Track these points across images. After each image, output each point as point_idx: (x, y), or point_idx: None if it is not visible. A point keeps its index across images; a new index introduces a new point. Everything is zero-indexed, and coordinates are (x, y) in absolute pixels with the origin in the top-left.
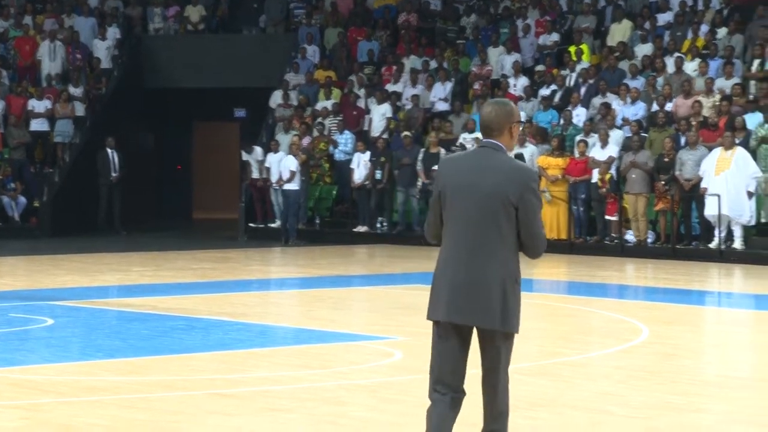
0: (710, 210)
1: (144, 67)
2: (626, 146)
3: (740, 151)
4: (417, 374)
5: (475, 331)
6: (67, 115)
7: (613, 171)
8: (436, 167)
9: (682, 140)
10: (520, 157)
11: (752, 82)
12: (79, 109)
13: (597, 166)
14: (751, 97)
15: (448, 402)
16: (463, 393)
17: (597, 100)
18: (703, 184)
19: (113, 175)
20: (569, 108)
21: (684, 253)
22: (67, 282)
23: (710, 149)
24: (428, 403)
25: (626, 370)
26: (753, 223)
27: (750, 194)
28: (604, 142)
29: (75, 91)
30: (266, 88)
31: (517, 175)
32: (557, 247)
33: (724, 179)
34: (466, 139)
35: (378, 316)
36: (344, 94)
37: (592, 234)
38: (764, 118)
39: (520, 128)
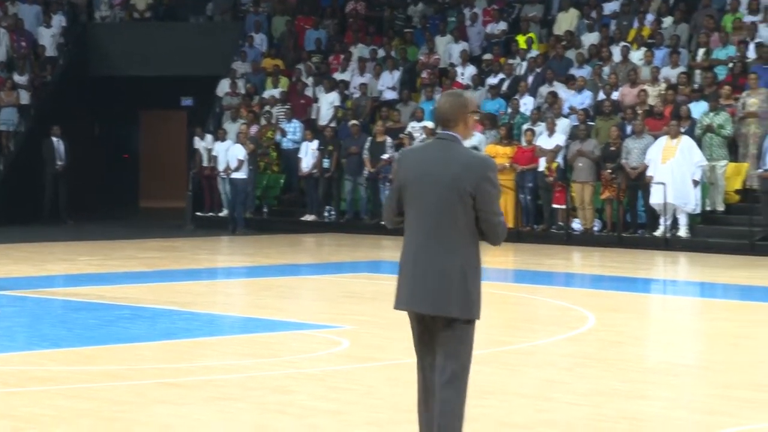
0: (656, 198)
1: (90, 55)
2: (573, 135)
3: (686, 140)
4: (364, 363)
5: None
6: (11, 103)
7: (559, 160)
8: (385, 156)
9: (628, 129)
10: (476, 149)
11: (697, 71)
12: (24, 98)
13: (544, 155)
14: (696, 86)
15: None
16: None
17: (544, 89)
18: (648, 173)
19: (59, 164)
20: (516, 97)
21: (630, 241)
22: (13, 271)
23: (656, 138)
24: (373, 392)
25: (572, 357)
26: (698, 211)
27: (695, 183)
28: (551, 131)
29: (20, 79)
30: (213, 76)
31: (474, 165)
32: None
33: (670, 168)
34: (415, 127)
35: (326, 305)
36: (292, 83)
37: (539, 222)
38: (709, 107)
39: (476, 118)
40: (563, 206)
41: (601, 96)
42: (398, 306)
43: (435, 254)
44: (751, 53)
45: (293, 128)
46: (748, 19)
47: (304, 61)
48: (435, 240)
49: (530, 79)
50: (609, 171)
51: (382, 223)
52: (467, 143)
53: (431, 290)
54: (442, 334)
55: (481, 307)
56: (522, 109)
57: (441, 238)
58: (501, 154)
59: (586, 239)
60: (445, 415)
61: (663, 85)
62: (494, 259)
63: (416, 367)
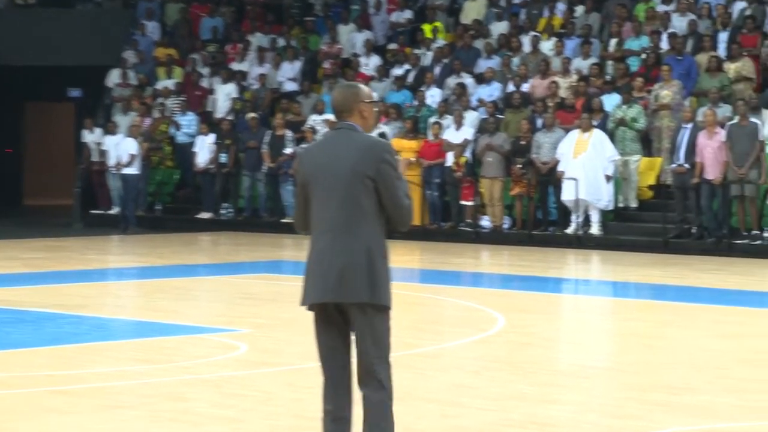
0: (567, 194)
1: None
2: (481, 128)
3: (597, 134)
4: (262, 368)
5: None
6: None
7: (468, 154)
8: (287, 151)
9: (539, 122)
10: (383, 136)
11: (609, 62)
12: None
13: (451, 149)
14: (608, 77)
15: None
16: (346, 417)
17: (451, 80)
18: (560, 168)
19: None
20: (423, 88)
21: (540, 239)
22: None
23: (567, 131)
24: (272, 398)
25: (481, 360)
26: (611, 207)
27: (608, 178)
28: (459, 124)
29: None
30: (103, 66)
31: (370, 149)
32: (410, 233)
33: (582, 163)
34: (316, 120)
35: (223, 307)
36: (187, 73)
37: (446, 220)
38: (622, 99)
39: (375, 108)
40: (472, 203)
41: (511, 88)
42: (304, 301)
43: (341, 244)
44: (665, 44)
45: (188, 121)
46: (661, 8)
47: (199, 51)
48: (340, 230)
49: (437, 70)
50: (519, 166)
51: (283, 221)
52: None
53: (337, 277)
54: (355, 325)
55: (391, 295)
56: (428, 101)
57: (347, 227)
58: (407, 148)
59: (496, 237)
60: (374, 416)
61: (574, 77)
62: (400, 258)
63: (321, 369)
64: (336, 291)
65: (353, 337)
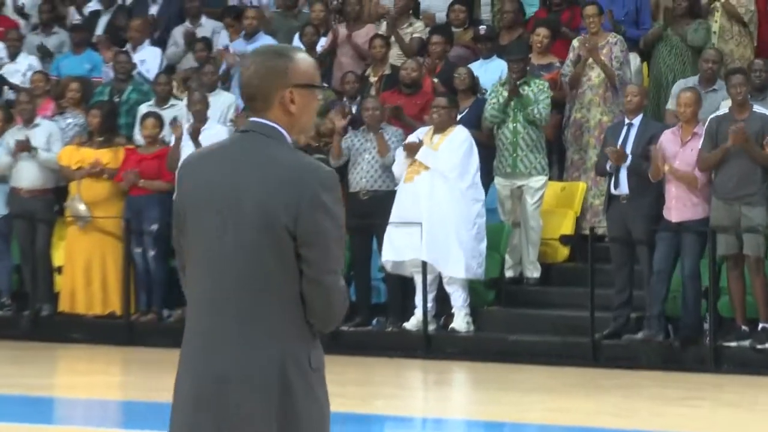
0: (394, 254)
1: None
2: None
3: (458, 136)
4: None
5: None
6: None
7: None
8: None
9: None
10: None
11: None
12: None
13: None
14: (484, 27)
15: None
16: None
17: None
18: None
19: None
20: None
21: (352, 341)
22: None
23: (402, 133)
24: None
25: None
26: (482, 278)
27: (476, 225)
28: None
29: None
30: None
31: (297, 179)
32: None
33: (425, 191)
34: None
35: None
36: None
37: None
38: (508, 68)
39: (318, 97)
40: None
41: None
42: None
43: (233, 344)
44: None
45: None
46: None
47: None
48: (231, 315)
49: None
50: None
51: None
52: None
53: (229, 412)
54: None
55: None
56: None
57: (242, 312)
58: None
59: None
60: None
61: (417, 24)
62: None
63: None
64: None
65: None
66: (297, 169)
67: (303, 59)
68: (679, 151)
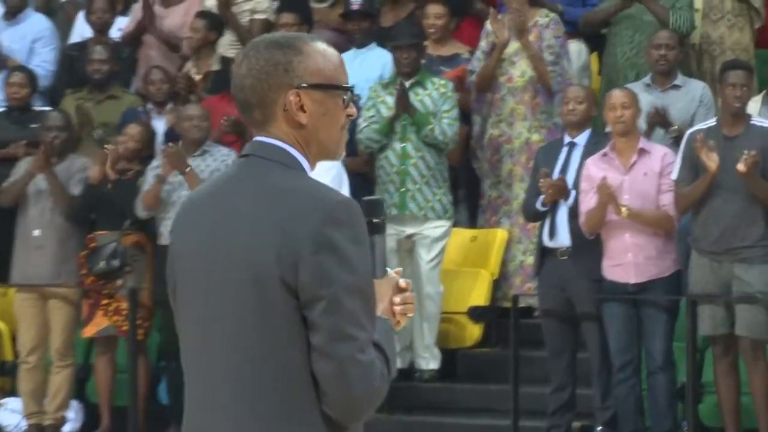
0: None
1: None
2: None
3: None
4: None
5: None
6: None
7: None
8: None
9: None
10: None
11: None
12: None
13: None
14: (356, 6)
15: None
16: None
17: None
18: None
19: None
20: None
21: None
22: None
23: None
24: None
25: None
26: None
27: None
28: None
29: None
30: None
31: (296, 214)
32: None
33: None
34: None
35: None
36: None
37: None
38: (395, 64)
39: (345, 99)
40: None
41: None
42: None
43: None
44: None
45: None
46: None
47: None
48: (230, 403)
49: None
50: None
51: None
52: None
53: None
54: None
55: None
56: None
57: (237, 415)
58: None
59: None
60: None
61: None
62: None
63: None
64: None
65: None
66: (298, 202)
67: (317, 51)
68: (625, 179)
